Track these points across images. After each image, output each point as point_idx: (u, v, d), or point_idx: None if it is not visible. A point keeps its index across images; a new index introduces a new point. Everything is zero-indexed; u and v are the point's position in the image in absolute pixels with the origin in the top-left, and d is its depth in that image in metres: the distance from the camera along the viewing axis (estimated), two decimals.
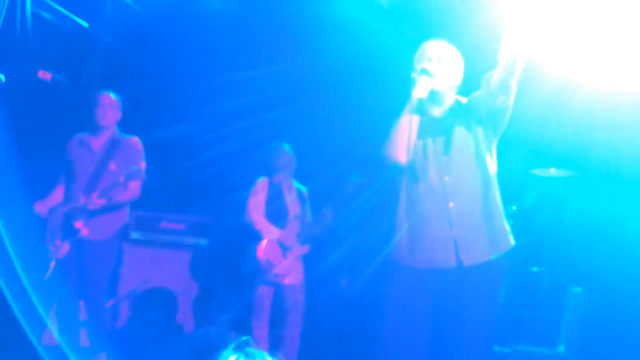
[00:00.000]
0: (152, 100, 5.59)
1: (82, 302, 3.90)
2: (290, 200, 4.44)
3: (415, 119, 2.42)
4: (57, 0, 4.89)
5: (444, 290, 2.43)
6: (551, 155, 5.37)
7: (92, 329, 3.84)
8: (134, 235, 4.95)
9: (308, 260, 4.44)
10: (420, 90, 2.40)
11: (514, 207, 5.26)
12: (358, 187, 4.23)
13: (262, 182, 4.44)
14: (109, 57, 5.34)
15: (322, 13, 5.79)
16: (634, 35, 2.96)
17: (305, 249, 4.37)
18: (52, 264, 3.73)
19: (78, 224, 3.70)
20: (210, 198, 5.53)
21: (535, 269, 5.17)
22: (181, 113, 6.02)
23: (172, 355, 3.06)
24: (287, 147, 4.50)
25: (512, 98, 2.38)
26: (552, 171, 5.24)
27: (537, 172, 5.36)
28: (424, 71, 2.43)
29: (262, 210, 4.35)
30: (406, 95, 2.44)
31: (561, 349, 3.78)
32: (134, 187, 3.80)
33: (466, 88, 2.62)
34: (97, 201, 3.66)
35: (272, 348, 4.29)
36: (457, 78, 2.58)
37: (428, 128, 2.53)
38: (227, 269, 5.03)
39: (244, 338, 1.26)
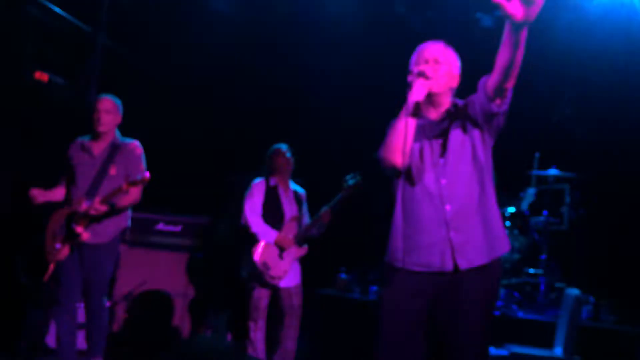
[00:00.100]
0: (149, 102, 5.59)
1: (80, 305, 3.92)
2: (287, 202, 4.43)
3: (412, 122, 2.41)
4: (54, 2, 4.89)
5: (440, 293, 2.42)
6: (550, 155, 5.39)
7: (89, 332, 3.85)
8: (131, 237, 4.96)
9: (305, 262, 4.44)
10: (416, 93, 2.40)
11: (512, 209, 5.27)
12: (355, 188, 4.23)
13: (258, 184, 4.43)
14: (107, 59, 5.34)
15: (321, 14, 5.81)
16: None
17: (302, 250, 4.37)
18: (52, 266, 3.74)
19: (79, 229, 3.70)
20: (207, 200, 5.54)
21: (532, 270, 5.17)
22: (178, 114, 6.03)
23: None
24: (284, 148, 4.49)
25: (509, 101, 2.38)
26: (552, 171, 5.25)
27: (535, 173, 5.38)
28: (420, 74, 2.43)
29: (258, 212, 4.34)
30: (403, 97, 2.43)
31: (558, 351, 3.78)
32: (135, 192, 3.82)
33: (464, 90, 2.62)
34: (99, 207, 3.67)
35: (269, 350, 4.29)
36: (454, 80, 2.58)
37: (424, 130, 2.53)
38: (224, 271, 5.04)
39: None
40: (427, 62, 2.50)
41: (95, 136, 3.93)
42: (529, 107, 4.88)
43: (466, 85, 2.62)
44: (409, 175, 2.49)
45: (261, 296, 4.23)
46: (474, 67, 2.66)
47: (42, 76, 4.75)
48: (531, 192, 5.42)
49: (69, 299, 3.79)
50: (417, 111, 2.43)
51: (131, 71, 5.82)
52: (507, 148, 3.03)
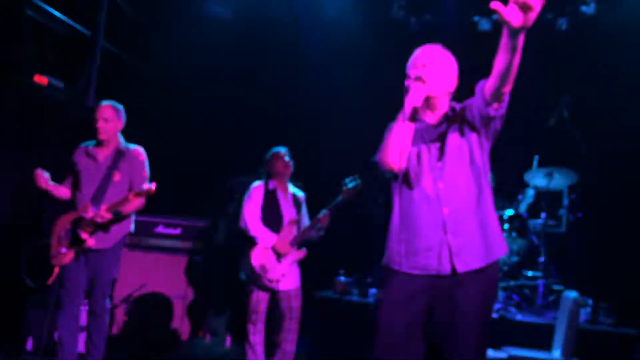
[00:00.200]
0: (148, 105, 5.60)
1: (83, 308, 3.95)
2: (286, 205, 4.44)
3: (409, 126, 2.42)
4: (53, 5, 4.90)
5: (437, 296, 2.43)
6: (546, 158, 5.40)
7: (90, 334, 3.88)
8: (130, 239, 4.96)
9: (304, 265, 4.44)
10: (414, 97, 2.41)
11: (510, 212, 5.28)
12: (354, 191, 4.23)
13: (257, 187, 4.44)
14: (106, 62, 5.35)
15: (320, 18, 5.82)
16: None
17: (301, 253, 4.37)
18: (56, 270, 3.79)
19: (84, 235, 3.75)
20: (206, 203, 5.55)
21: (530, 273, 5.18)
22: (177, 117, 6.04)
23: None
24: (283, 151, 4.50)
25: (506, 105, 2.39)
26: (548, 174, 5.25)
27: (532, 174, 5.38)
28: (417, 78, 2.44)
29: (257, 215, 4.35)
30: (401, 100, 2.44)
31: (556, 353, 3.79)
32: (140, 200, 3.89)
33: (462, 94, 2.63)
34: (105, 215, 3.73)
35: (268, 353, 4.29)
36: (452, 84, 2.59)
37: (422, 134, 2.54)
38: (223, 274, 5.04)
39: None
40: (424, 66, 2.51)
41: (99, 143, 3.99)
42: (527, 109, 4.90)
43: (464, 89, 2.63)
44: (406, 178, 2.50)
45: (260, 299, 4.23)
46: (472, 70, 2.67)
47: (41, 79, 4.76)
48: (529, 194, 5.43)
49: (72, 302, 3.83)
50: (414, 115, 2.44)
51: (130, 74, 5.84)
52: (505, 150, 3.05)
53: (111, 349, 4.05)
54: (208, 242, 5.17)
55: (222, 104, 6.12)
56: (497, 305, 4.71)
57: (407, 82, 2.48)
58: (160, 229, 5.18)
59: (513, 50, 2.15)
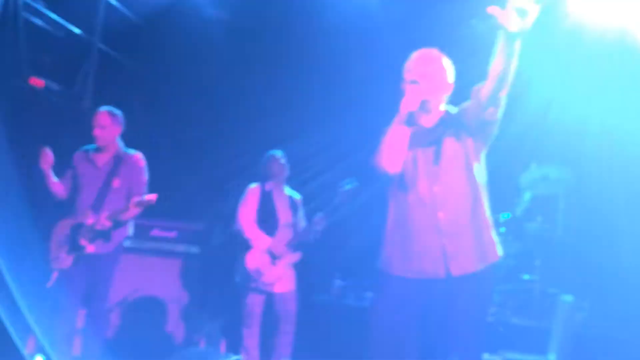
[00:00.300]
0: (144, 107, 5.59)
1: (82, 311, 3.96)
2: (282, 208, 4.44)
3: (406, 130, 2.43)
4: (49, 7, 4.89)
5: (433, 300, 2.44)
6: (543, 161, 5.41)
7: (86, 338, 3.87)
8: (125, 242, 4.95)
9: (300, 268, 4.44)
10: (410, 101, 2.41)
11: (506, 215, 5.28)
12: (351, 194, 4.23)
13: (253, 190, 4.44)
14: (102, 64, 5.34)
15: (316, 21, 5.82)
16: None
17: (296, 256, 4.37)
18: (55, 274, 3.80)
19: (83, 242, 3.78)
20: (202, 206, 5.53)
21: (526, 276, 5.18)
22: (173, 120, 6.03)
23: None
24: (279, 154, 4.51)
25: (502, 109, 2.40)
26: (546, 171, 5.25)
27: (528, 177, 5.39)
28: (414, 82, 2.44)
29: (252, 217, 4.35)
30: (398, 104, 2.44)
31: (552, 357, 3.79)
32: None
33: (457, 98, 2.64)
34: (105, 223, 3.77)
35: (264, 357, 4.28)
36: (448, 88, 2.60)
37: (418, 138, 2.54)
38: (218, 277, 5.03)
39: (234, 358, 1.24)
40: (420, 69, 2.52)
41: (99, 148, 4.01)
42: (523, 112, 4.90)
43: (460, 93, 2.63)
44: (402, 182, 2.51)
45: (255, 302, 4.22)
46: (468, 74, 2.68)
47: (37, 82, 4.75)
48: (525, 198, 5.44)
49: (69, 306, 3.83)
50: (410, 119, 2.44)
51: (127, 76, 5.82)
52: (502, 153, 3.05)
53: (105, 353, 4.03)
54: (203, 245, 5.16)
55: (219, 106, 6.11)
56: (493, 309, 4.71)
57: (403, 86, 2.49)
58: (155, 232, 5.16)
59: (509, 55, 2.16)
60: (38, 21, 4.84)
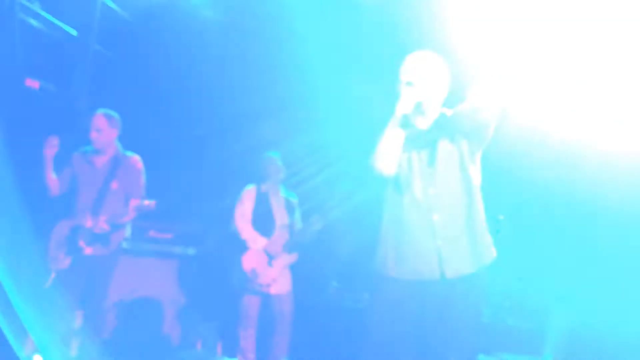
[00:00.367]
0: (140, 108, 5.58)
1: (79, 313, 3.97)
2: (278, 209, 4.44)
3: (401, 132, 2.44)
4: (45, 8, 4.89)
5: (428, 301, 2.44)
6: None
7: (84, 339, 3.88)
8: (122, 244, 4.94)
9: (296, 269, 4.44)
10: (405, 103, 2.42)
11: (501, 217, 5.29)
12: (348, 195, 4.24)
13: (249, 191, 4.44)
14: (97, 65, 5.33)
15: (312, 24, 5.82)
16: None
17: (292, 257, 4.37)
18: (53, 275, 3.81)
19: (82, 243, 3.80)
20: (198, 207, 5.52)
21: (520, 278, 5.19)
22: (169, 121, 6.02)
23: None
24: (276, 155, 4.51)
25: (496, 112, 2.41)
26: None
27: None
28: (409, 84, 2.45)
29: (248, 218, 4.35)
30: (394, 105, 2.45)
31: (547, 358, 3.80)
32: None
33: (452, 100, 2.65)
34: (103, 226, 3.79)
35: (260, 358, 4.28)
36: (443, 90, 2.61)
37: (413, 140, 2.55)
38: (214, 279, 5.02)
39: None
40: (415, 71, 2.52)
41: (97, 150, 4.01)
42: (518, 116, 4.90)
43: (455, 95, 2.64)
44: (397, 184, 2.51)
45: (251, 304, 4.23)
46: (463, 77, 2.68)
47: (32, 83, 4.75)
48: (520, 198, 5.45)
49: (67, 307, 3.83)
50: (405, 121, 2.45)
51: (122, 77, 5.81)
52: (498, 155, 3.06)
53: (101, 354, 4.03)
54: (200, 246, 5.15)
55: (215, 107, 6.10)
56: (489, 310, 4.72)
57: (398, 88, 2.49)
58: (151, 234, 5.16)
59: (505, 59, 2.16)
60: (34, 22, 4.83)
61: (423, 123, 2.59)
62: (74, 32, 5.19)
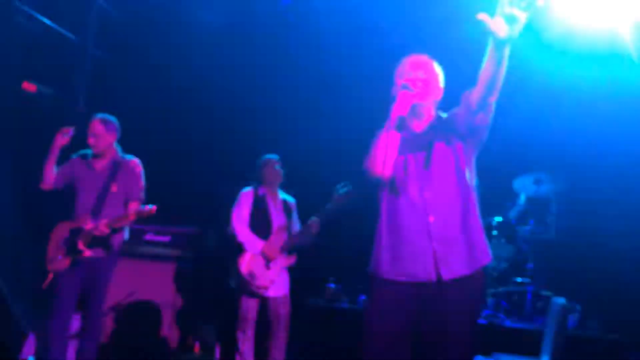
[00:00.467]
0: (138, 112, 5.59)
1: (76, 315, 3.97)
2: (276, 211, 4.45)
3: (395, 135, 2.44)
4: (43, 12, 4.90)
5: (424, 303, 2.45)
6: (535, 165, 5.43)
7: (82, 342, 3.88)
8: (120, 246, 4.94)
9: (294, 272, 4.44)
10: (400, 106, 2.43)
11: (499, 219, 5.31)
12: (346, 197, 4.24)
13: (246, 193, 4.45)
14: (95, 69, 5.34)
15: (310, 27, 5.83)
16: None
17: (290, 260, 4.38)
18: (51, 275, 3.84)
19: (81, 245, 3.81)
20: (196, 210, 5.53)
21: (519, 279, 5.20)
22: (167, 124, 6.03)
23: None
24: (275, 158, 4.52)
25: (492, 115, 2.42)
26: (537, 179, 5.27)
27: (520, 181, 5.41)
28: (404, 87, 2.46)
29: (245, 221, 4.35)
30: (389, 108, 2.46)
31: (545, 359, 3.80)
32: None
33: (447, 103, 2.66)
34: (103, 229, 3.80)
35: None
36: (438, 93, 2.62)
37: (409, 143, 2.55)
38: (212, 281, 5.03)
39: None
40: (410, 74, 2.53)
41: (96, 154, 4.04)
42: (516, 116, 4.92)
43: (451, 98, 2.65)
44: (393, 186, 2.52)
45: (249, 306, 4.23)
46: (459, 79, 2.70)
47: (29, 86, 4.76)
48: (518, 201, 5.46)
49: (64, 309, 3.84)
50: (401, 124, 2.46)
51: (120, 80, 5.82)
52: (494, 156, 3.07)
53: (100, 357, 4.03)
54: (197, 249, 5.16)
55: (213, 110, 6.11)
56: (486, 312, 4.72)
57: (393, 91, 2.50)
58: (149, 237, 5.16)
59: (499, 61, 2.18)
60: (31, 26, 4.84)
61: (418, 126, 2.60)
62: (71, 36, 5.19)
